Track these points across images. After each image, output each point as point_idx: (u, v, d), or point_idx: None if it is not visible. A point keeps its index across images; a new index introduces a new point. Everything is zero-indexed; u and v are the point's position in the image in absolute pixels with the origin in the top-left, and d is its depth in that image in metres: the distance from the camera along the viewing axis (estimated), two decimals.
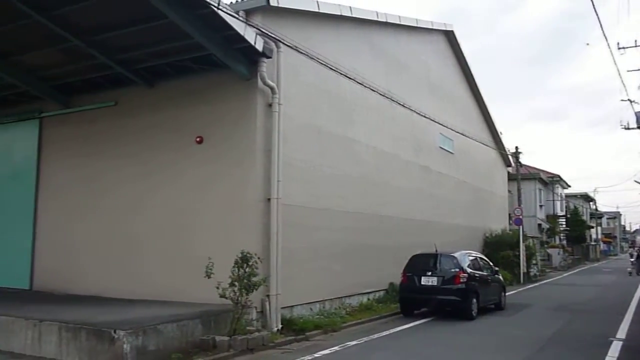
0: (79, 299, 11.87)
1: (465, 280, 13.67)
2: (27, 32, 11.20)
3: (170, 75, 12.20)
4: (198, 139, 11.62)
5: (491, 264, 16.58)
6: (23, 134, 14.44)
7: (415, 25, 19.10)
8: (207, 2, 9.17)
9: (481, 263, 15.61)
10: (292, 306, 11.93)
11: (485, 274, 15.24)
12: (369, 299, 15.17)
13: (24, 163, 14.30)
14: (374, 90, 14.91)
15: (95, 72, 12.55)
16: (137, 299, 11.51)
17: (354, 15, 14.67)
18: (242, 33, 10.17)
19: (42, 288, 13.43)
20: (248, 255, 9.47)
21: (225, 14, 9.72)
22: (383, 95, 15.46)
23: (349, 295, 14.37)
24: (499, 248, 25.26)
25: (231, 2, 11.28)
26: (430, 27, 20.70)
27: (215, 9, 9.37)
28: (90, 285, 12.58)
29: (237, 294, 9.37)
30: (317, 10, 13.01)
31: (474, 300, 13.91)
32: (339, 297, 13.87)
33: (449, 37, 22.75)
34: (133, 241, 12.23)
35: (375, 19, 16.04)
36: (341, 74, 13.26)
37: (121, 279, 12.19)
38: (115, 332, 7.99)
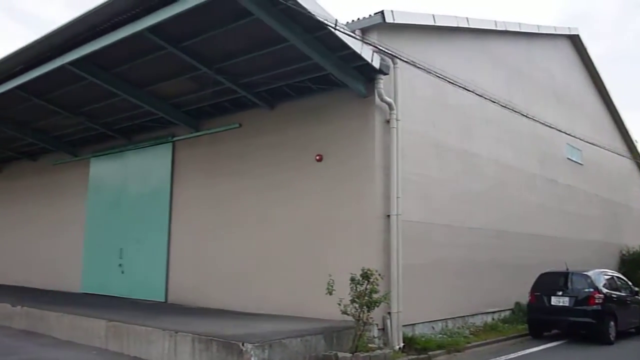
0: (209, 312, 12.52)
1: (601, 301, 12.72)
2: (161, 63, 12.15)
3: (290, 96, 12.65)
4: (318, 157, 11.90)
5: (630, 283, 15.27)
6: (158, 157, 15.59)
7: (536, 31, 18.28)
8: (325, 23, 9.40)
9: (618, 283, 14.43)
10: (414, 324, 11.73)
11: (623, 294, 14.08)
12: (493, 319, 14.54)
13: (159, 183, 15.42)
14: (494, 102, 14.41)
15: (221, 97, 13.31)
16: (261, 314, 11.93)
17: (471, 26, 14.33)
18: (359, 51, 10.31)
19: (175, 301, 14.34)
20: (369, 272, 9.46)
21: (343, 34, 9.91)
22: (504, 107, 14.90)
23: (473, 315, 13.86)
24: (638, 266, 23.21)
25: (347, 22, 11.48)
26: (553, 32, 19.72)
27: (333, 29, 9.59)
28: (219, 299, 13.24)
29: (359, 310, 9.39)
30: (433, 23, 12.89)
31: (612, 323, 12.89)
32: (461, 316, 13.43)
33: (574, 41, 21.51)
34: (257, 257, 12.71)
35: (494, 28, 15.56)
36: (459, 86, 12.98)
37: (247, 294, 12.71)
38: (243, 345, 8.31)
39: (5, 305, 13.97)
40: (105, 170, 17.35)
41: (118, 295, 15.74)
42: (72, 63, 11.72)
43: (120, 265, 16.04)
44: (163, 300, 14.63)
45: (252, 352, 8.23)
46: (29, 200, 20.41)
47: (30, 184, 20.55)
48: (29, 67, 12.58)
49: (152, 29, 10.15)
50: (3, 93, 13.66)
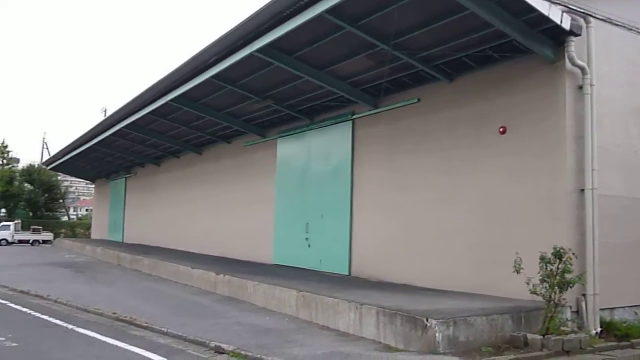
0: (391, 287, 12.71)
1: None
2: (339, 44, 12.47)
3: (470, 67, 12.18)
4: (501, 130, 11.34)
5: None
6: (339, 135, 16.08)
7: None
8: None
9: None
10: (612, 308, 10.73)
11: None
12: None
13: (340, 160, 15.93)
14: None
15: (399, 72, 13.28)
16: (446, 290, 11.81)
17: None
18: (546, 13, 9.52)
19: (359, 274, 14.80)
20: (562, 250, 8.85)
21: None
22: None
23: None
24: None
25: None
26: None
27: None
28: (402, 275, 13.37)
29: (549, 291, 8.85)
30: None
31: None
32: None
33: None
34: (440, 234, 12.56)
35: None
36: None
37: (430, 270, 12.66)
38: (427, 320, 8.32)
39: (211, 274, 15.61)
40: (290, 150, 18.39)
41: (305, 268, 16.68)
42: (259, 50, 12.56)
43: (306, 239, 16.97)
44: (346, 273, 15.19)
45: (436, 327, 8.21)
46: (225, 180, 22.43)
47: (225, 164, 22.57)
48: (222, 57, 13.76)
49: (331, 10, 10.45)
50: (201, 83, 15.17)
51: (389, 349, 8.72)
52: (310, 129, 17.34)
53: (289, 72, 13.97)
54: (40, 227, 45.86)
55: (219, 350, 8.57)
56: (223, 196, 22.45)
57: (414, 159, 13.55)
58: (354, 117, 15.52)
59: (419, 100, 13.49)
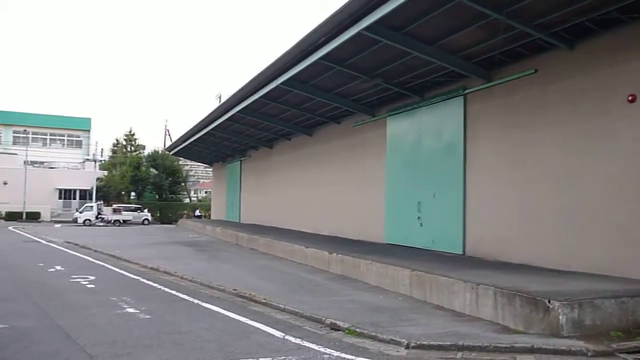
0: (509, 267, 12.25)
1: None
2: (449, 16, 12.05)
3: (593, 32, 11.29)
4: (630, 98, 10.43)
5: None
6: (450, 111, 15.63)
7: None
8: None
9: None
10: None
11: None
12: None
13: (452, 137, 15.50)
14: None
15: (513, 42, 12.61)
16: (570, 271, 11.18)
17: None
18: None
19: (473, 254, 14.40)
20: None
21: None
22: None
23: None
24: None
25: None
26: None
27: None
28: (519, 254, 12.83)
29: None
30: None
31: None
32: None
33: None
34: (565, 211, 11.85)
35: None
36: None
37: (551, 249, 12.03)
38: (549, 302, 7.94)
39: (324, 253, 15.92)
40: (400, 128, 18.16)
41: (417, 247, 16.51)
42: (366, 28, 12.46)
43: (418, 218, 16.76)
44: (460, 253, 14.83)
45: (559, 310, 7.82)
46: (335, 161, 22.66)
47: (335, 145, 22.78)
48: (330, 37, 13.81)
49: None
50: (310, 64, 15.35)
51: (507, 330, 8.44)
52: (420, 106, 17.00)
53: (398, 48, 13.74)
54: (121, 207, 49.13)
55: (335, 327, 8.73)
56: (334, 176, 22.73)
57: (531, 132, 12.86)
58: (466, 91, 14.99)
59: (535, 71, 12.73)
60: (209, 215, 48.59)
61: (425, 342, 7.60)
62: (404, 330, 8.32)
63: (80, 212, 46.03)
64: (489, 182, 14.10)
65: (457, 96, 15.33)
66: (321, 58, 14.76)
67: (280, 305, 10.32)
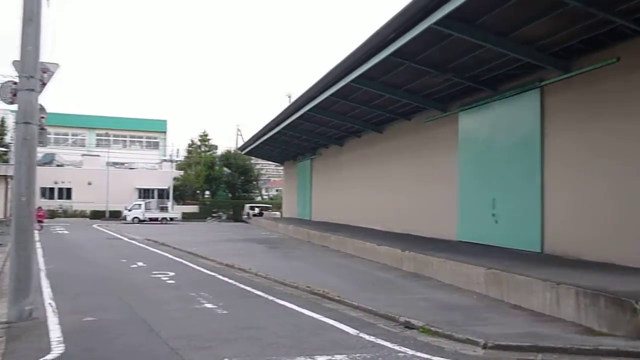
0: (590, 265, 11.72)
1: None
2: (523, 5, 11.65)
3: None
4: None
5: None
6: (525, 104, 15.11)
7: None
8: None
9: None
10: None
11: None
12: None
13: (528, 132, 14.97)
14: None
15: (593, 30, 12.04)
16: None
17: None
18: None
19: (551, 252, 13.86)
20: None
21: None
22: None
23: None
24: None
25: None
26: None
27: None
28: (602, 252, 12.24)
29: None
30: None
31: None
32: None
33: None
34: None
35: None
36: None
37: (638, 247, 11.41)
38: (637, 303, 7.54)
39: (396, 251, 15.82)
40: (473, 123, 17.74)
41: (492, 244, 16.08)
42: (437, 23, 12.25)
43: (493, 215, 16.33)
44: (538, 250, 14.32)
45: None
46: (406, 157, 22.43)
47: (405, 141, 22.54)
48: (400, 33, 13.68)
49: None
50: (380, 61, 15.27)
51: (590, 332, 8.10)
52: (494, 100, 16.53)
53: (469, 41, 13.43)
54: (167, 206, 49.81)
55: (409, 326, 8.66)
56: (405, 173, 22.52)
57: (614, 124, 12.23)
58: (542, 83, 14.44)
59: (618, 59, 12.08)
60: (280, 213, 49.29)
61: (503, 343, 7.41)
62: (480, 330, 8.14)
63: (129, 210, 47.26)
64: (570, 177, 13.52)
65: (532, 89, 14.80)
66: (391, 54, 14.64)
67: (354, 303, 10.34)
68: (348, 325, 8.77)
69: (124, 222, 45.48)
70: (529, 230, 14.69)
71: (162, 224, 45.39)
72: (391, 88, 18.77)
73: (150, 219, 46.56)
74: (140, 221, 45.64)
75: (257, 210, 50.46)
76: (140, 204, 47.60)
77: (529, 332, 8.06)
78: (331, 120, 25.62)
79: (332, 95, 19.90)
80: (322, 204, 34.55)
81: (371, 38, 14.77)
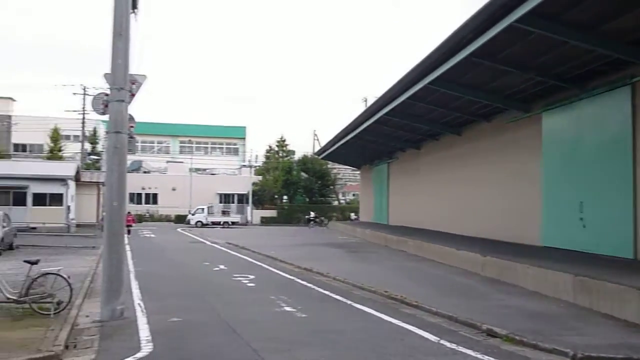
0: None
1: None
2: None
3: None
4: None
5: None
6: (615, 102, 14.31)
7: None
8: None
9: None
10: None
11: None
12: None
13: (617, 131, 14.17)
14: None
15: None
16: None
17: None
18: None
19: None
20: None
21: None
22: None
23: None
24: None
25: None
26: None
27: None
28: None
29: None
30: None
31: None
32: None
33: None
34: None
35: None
36: None
37: None
38: None
39: (476, 255, 15.42)
40: (558, 123, 16.99)
41: (579, 250, 15.31)
42: (518, 20, 11.86)
43: (580, 219, 15.55)
44: (631, 257, 13.48)
45: None
46: (486, 159, 21.79)
47: (485, 144, 21.91)
48: (478, 33, 13.36)
49: None
50: (458, 62, 14.97)
51: None
52: (580, 99, 15.75)
53: (552, 38, 12.90)
54: (230, 210, 50.83)
55: (491, 334, 8.40)
56: (484, 176, 21.90)
57: None
58: (633, 80, 13.62)
59: None
60: (357, 217, 49.25)
61: (593, 354, 7.04)
62: (568, 340, 7.78)
63: (193, 214, 49.02)
64: None
65: (622, 86, 13.99)
66: (470, 54, 14.31)
67: (433, 309, 10.17)
68: (427, 332, 8.63)
69: (188, 225, 47.52)
70: (620, 235, 13.88)
71: (223, 227, 46.88)
72: (470, 89, 18.34)
73: (213, 223, 48.20)
74: (203, 225, 47.42)
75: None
76: (203, 209, 49.40)
77: (622, 344, 7.62)
78: (408, 123, 25.36)
79: (408, 98, 19.70)
80: (399, 208, 34.24)
81: (448, 39, 14.51)
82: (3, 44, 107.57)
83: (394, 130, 27.92)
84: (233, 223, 49.16)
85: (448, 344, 7.88)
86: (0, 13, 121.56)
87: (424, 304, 10.55)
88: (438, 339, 8.19)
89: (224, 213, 50.63)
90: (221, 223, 48.61)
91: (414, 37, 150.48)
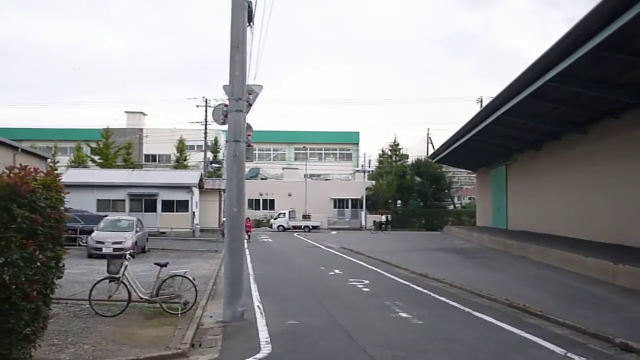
0: None
1: None
2: None
3: None
4: None
5: None
6: None
7: None
8: None
9: None
10: None
11: None
12: None
13: None
14: None
15: None
16: None
17: None
18: None
19: None
20: None
21: None
22: None
23: None
24: None
25: None
26: None
27: None
28: None
29: None
30: None
31: None
32: None
33: None
34: None
35: None
36: None
37: None
38: None
39: (608, 263, 14.32)
40: None
41: None
42: None
43: None
44: None
45: None
46: (616, 159, 20.18)
47: (614, 142, 20.29)
48: (605, 23, 12.47)
49: None
50: (581, 55, 14.06)
51: None
52: None
53: None
54: (310, 214, 50.53)
55: (626, 348, 7.76)
56: (615, 177, 20.29)
57: None
58: None
59: None
60: (473, 221, 47.68)
61: None
62: None
63: (275, 219, 50.05)
64: None
65: None
66: (595, 47, 13.37)
67: (559, 319, 9.57)
68: (553, 344, 8.13)
69: (270, 229, 48.88)
70: None
71: (304, 231, 47.40)
72: (595, 84, 17.12)
73: (294, 227, 48.82)
74: (285, 229, 48.27)
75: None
76: (284, 213, 50.23)
77: None
78: (526, 123, 24.18)
79: (527, 96, 18.78)
80: (518, 212, 32.66)
81: (570, 32, 13.69)
82: (140, 64, 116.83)
83: (511, 130, 26.76)
84: (314, 227, 49.76)
85: (577, 358, 7.37)
86: (137, 37, 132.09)
87: (549, 314, 9.97)
88: (565, 351, 7.69)
89: (305, 218, 51.51)
90: (302, 227, 49.41)
91: (534, 35, 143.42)
